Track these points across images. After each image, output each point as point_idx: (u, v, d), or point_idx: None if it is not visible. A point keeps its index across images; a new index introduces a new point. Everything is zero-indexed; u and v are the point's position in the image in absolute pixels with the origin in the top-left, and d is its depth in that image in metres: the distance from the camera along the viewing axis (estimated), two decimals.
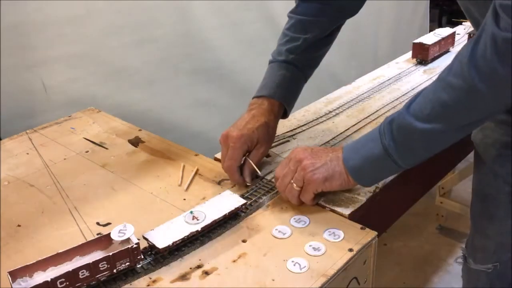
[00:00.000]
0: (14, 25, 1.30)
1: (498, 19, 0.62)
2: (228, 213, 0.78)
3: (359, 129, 1.10)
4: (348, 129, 1.10)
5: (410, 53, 1.51)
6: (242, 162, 0.90)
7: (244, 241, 0.75)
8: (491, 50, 0.63)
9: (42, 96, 1.39)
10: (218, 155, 1.00)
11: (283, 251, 0.73)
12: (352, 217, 0.81)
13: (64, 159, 1.02)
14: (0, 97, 1.31)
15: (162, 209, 0.84)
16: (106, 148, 1.06)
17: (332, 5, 0.97)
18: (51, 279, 0.62)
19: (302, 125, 1.12)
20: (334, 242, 0.74)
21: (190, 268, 0.70)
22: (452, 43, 1.58)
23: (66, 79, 1.43)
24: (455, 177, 1.92)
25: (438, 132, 0.71)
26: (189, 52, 1.68)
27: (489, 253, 0.92)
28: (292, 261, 0.70)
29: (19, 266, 0.64)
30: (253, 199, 0.85)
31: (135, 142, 1.08)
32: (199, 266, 0.71)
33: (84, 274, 0.65)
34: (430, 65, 1.47)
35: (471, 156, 1.01)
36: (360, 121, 1.13)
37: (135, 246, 0.68)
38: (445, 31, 1.55)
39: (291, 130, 1.09)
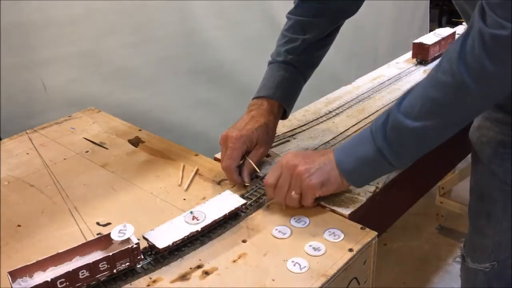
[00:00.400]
0: (14, 25, 1.30)
1: (485, 16, 0.63)
2: (228, 213, 0.78)
3: (359, 129, 1.10)
4: (348, 129, 1.10)
5: (410, 53, 1.51)
6: (242, 162, 0.90)
7: (244, 241, 0.75)
8: (479, 47, 0.63)
9: (42, 96, 1.39)
10: (218, 155, 1.00)
11: (283, 251, 0.73)
12: (352, 217, 0.81)
13: (64, 159, 1.02)
14: (0, 97, 1.31)
15: (162, 209, 0.84)
16: (106, 148, 1.06)
17: (331, 6, 0.97)
18: (51, 279, 0.62)
19: (302, 125, 1.12)
20: (334, 242, 0.74)
21: (190, 268, 0.70)
22: None
23: (66, 79, 1.43)
24: (455, 177, 1.92)
25: (430, 130, 0.71)
26: (189, 52, 1.68)
27: (487, 252, 0.93)
28: (292, 261, 0.70)
29: (19, 266, 0.64)
30: (253, 199, 0.84)
31: (135, 142, 1.08)
32: (199, 266, 0.71)
33: (84, 274, 0.65)
34: (430, 65, 1.47)
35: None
36: (360, 121, 1.13)
37: (135, 246, 0.68)
38: (445, 31, 1.55)
39: (291, 130, 1.09)
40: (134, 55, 1.55)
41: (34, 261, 0.65)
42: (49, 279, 0.62)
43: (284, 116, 1.00)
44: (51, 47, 1.38)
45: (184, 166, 0.96)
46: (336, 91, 1.31)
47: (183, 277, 0.69)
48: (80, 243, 0.68)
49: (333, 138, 1.06)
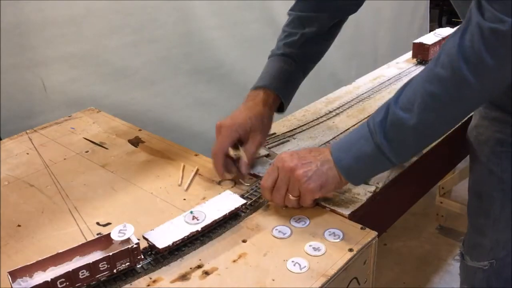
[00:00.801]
0: (14, 25, 1.30)
1: (483, 10, 0.63)
2: (228, 213, 0.78)
3: None
4: (348, 129, 1.10)
5: (410, 53, 1.51)
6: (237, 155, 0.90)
7: (244, 241, 0.75)
8: (478, 41, 0.63)
9: (42, 96, 1.39)
10: None
11: (283, 251, 0.73)
12: (352, 217, 0.81)
13: (64, 159, 1.02)
14: (0, 97, 1.31)
15: (162, 209, 0.84)
16: (106, 148, 1.06)
17: (330, 3, 0.97)
18: (51, 279, 0.62)
19: (302, 125, 1.12)
20: (334, 242, 0.74)
21: (190, 268, 0.70)
22: None
23: (66, 79, 1.43)
24: (455, 177, 1.92)
25: (430, 125, 0.71)
26: (189, 52, 1.68)
27: (485, 250, 0.93)
28: (292, 261, 0.70)
29: (19, 266, 0.64)
30: (253, 199, 0.84)
31: (135, 142, 1.08)
32: (199, 266, 0.71)
33: (84, 274, 0.65)
34: None
35: None
36: (361, 121, 1.13)
37: (135, 246, 0.68)
38: (445, 31, 1.56)
39: (291, 130, 1.09)
40: (134, 55, 1.55)
41: (34, 261, 0.65)
42: (49, 279, 0.62)
43: (282, 109, 0.99)
44: (51, 47, 1.38)
45: (184, 166, 0.96)
46: (336, 91, 1.31)
47: (183, 277, 0.69)
48: (80, 243, 0.68)
49: (333, 138, 1.06)
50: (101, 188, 0.91)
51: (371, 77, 1.39)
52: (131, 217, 0.81)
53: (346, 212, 0.81)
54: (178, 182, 0.92)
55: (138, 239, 0.69)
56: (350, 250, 0.72)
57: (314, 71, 1.04)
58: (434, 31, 1.56)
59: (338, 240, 0.74)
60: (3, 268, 0.71)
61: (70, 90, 1.44)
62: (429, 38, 1.49)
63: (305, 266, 0.69)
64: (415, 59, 1.49)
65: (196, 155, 1.01)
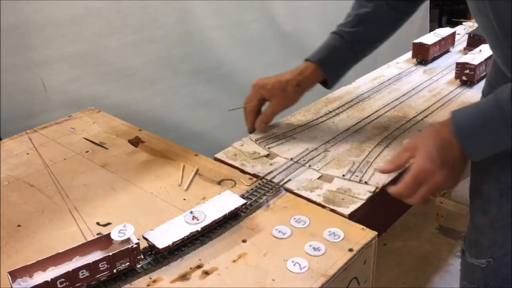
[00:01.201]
0: (14, 25, 1.30)
1: None
2: (228, 213, 0.78)
3: (359, 128, 1.10)
4: (348, 128, 1.10)
5: (410, 53, 1.51)
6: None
7: (244, 241, 0.75)
8: None
9: (42, 96, 1.39)
10: (218, 155, 1.00)
11: (283, 251, 0.73)
12: (352, 217, 0.81)
13: (64, 159, 1.02)
14: (0, 97, 1.31)
15: (162, 209, 0.84)
16: (106, 148, 1.06)
17: None
18: (51, 279, 0.62)
19: (302, 125, 1.12)
20: (334, 242, 0.74)
21: (190, 268, 0.70)
22: (452, 43, 1.58)
23: (66, 79, 1.43)
24: None
25: None
26: (189, 52, 1.68)
27: (484, 248, 0.93)
28: (292, 261, 0.70)
29: (19, 266, 0.64)
30: (253, 199, 0.84)
31: (135, 142, 1.08)
32: (199, 266, 0.71)
33: (84, 274, 0.65)
34: (430, 65, 1.47)
35: None
36: (361, 121, 1.13)
37: (135, 246, 0.68)
38: (445, 31, 1.56)
39: (291, 130, 1.09)
40: (134, 55, 1.55)
41: (34, 261, 0.65)
42: (49, 279, 0.62)
43: (327, 84, 1.05)
44: (51, 47, 1.38)
45: (184, 166, 0.96)
46: (336, 91, 1.31)
47: (183, 277, 0.69)
48: (80, 243, 0.68)
49: (333, 138, 1.06)
50: (101, 188, 0.91)
51: (371, 77, 1.39)
52: (131, 217, 0.81)
53: (346, 212, 0.81)
54: (178, 182, 0.92)
55: (138, 239, 0.69)
56: (350, 250, 0.72)
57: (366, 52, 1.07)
58: (434, 31, 1.56)
59: (338, 240, 0.74)
60: (3, 268, 0.71)
61: (70, 90, 1.44)
62: (429, 38, 1.49)
63: (305, 266, 0.69)
64: (415, 59, 1.49)
65: (196, 155, 1.01)
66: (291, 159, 0.97)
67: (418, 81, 1.35)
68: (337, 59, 1.04)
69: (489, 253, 0.92)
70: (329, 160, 0.97)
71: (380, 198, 0.88)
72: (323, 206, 0.83)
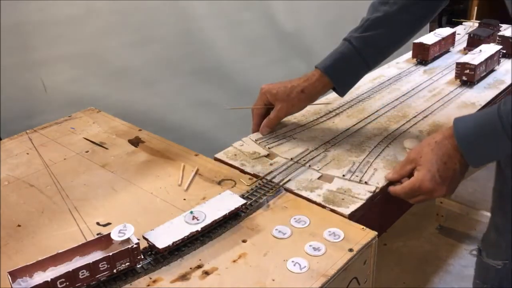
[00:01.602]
0: (14, 25, 1.30)
1: None
2: (228, 213, 0.78)
3: (359, 129, 1.10)
4: (349, 128, 1.10)
5: (410, 53, 1.51)
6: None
7: (244, 241, 0.75)
8: None
9: (42, 96, 1.39)
10: (218, 155, 1.00)
11: (283, 251, 0.73)
12: (352, 217, 0.81)
13: (64, 159, 1.02)
14: (0, 97, 1.31)
15: (162, 209, 0.84)
16: (106, 148, 1.06)
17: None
18: (51, 279, 0.62)
19: (302, 125, 1.12)
20: (334, 242, 0.74)
21: (190, 268, 0.70)
22: (452, 43, 1.58)
23: (66, 79, 1.43)
24: None
25: None
26: (189, 52, 1.68)
27: (501, 250, 0.93)
28: (292, 261, 0.70)
29: (19, 266, 0.64)
30: (253, 199, 0.84)
31: (135, 142, 1.08)
32: (199, 266, 0.71)
33: (84, 274, 0.65)
34: (430, 65, 1.47)
35: None
36: (361, 121, 1.13)
37: (135, 246, 0.68)
38: (445, 31, 1.56)
39: (291, 130, 1.09)
40: (134, 55, 1.55)
41: (34, 261, 0.65)
42: (49, 279, 0.62)
43: (338, 90, 1.06)
44: (51, 47, 1.38)
45: (184, 166, 0.96)
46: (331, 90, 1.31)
47: (183, 277, 0.69)
48: (80, 243, 0.68)
49: (334, 138, 1.06)
50: (101, 188, 0.91)
51: (371, 77, 1.39)
52: (131, 217, 0.81)
53: (346, 212, 0.81)
54: (178, 182, 0.92)
55: (138, 239, 0.69)
56: (350, 250, 0.72)
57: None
58: (434, 31, 1.56)
59: (338, 240, 0.74)
60: (3, 268, 0.71)
61: (70, 90, 1.44)
62: (429, 38, 1.49)
63: (305, 266, 0.69)
64: (415, 59, 1.49)
65: (196, 155, 1.01)
66: (291, 159, 0.97)
67: (418, 81, 1.35)
68: (345, 66, 1.02)
69: (505, 255, 0.92)
70: (329, 160, 0.97)
71: (380, 198, 0.88)
72: (323, 206, 0.83)
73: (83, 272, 0.64)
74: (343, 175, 0.91)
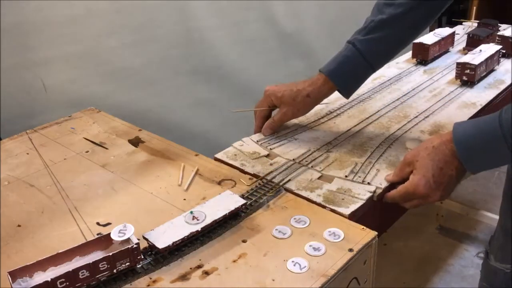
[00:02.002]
0: (14, 25, 1.30)
1: None
2: (228, 213, 0.78)
3: (360, 129, 1.10)
4: (350, 129, 1.10)
5: (410, 53, 1.51)
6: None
7: (244, 241, 0.75)
8: None
9: (42, 96, 1.39)
10: (218, 155, 1.00)
11: (283, 251, 0.73)
12: (352, 217, 0.81)
13: (64, 159, 1.02)
14: (0, 97, 1.31)
15: (162, 209, 0.84)
16: (106, 148, 1.06)
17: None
18: (51, 279, 0.62)
19: (304, 126, 1.12)
20: (334, 242, 0.74)
21: (190, 268, 0.70)
22: (452, 43, 1.59)
23: (66, 79, 1.43)
24: None
25: None
26: (189, 52, 1.68)
27: (509, 253, 0.92)
28: (292, 261, 0.70)
29: (19, 266, 0.64)
30: (253, 199, 0.84)
31: (135, 142, 1.08)
32: (199, 266, 0.71)
33: (84, 274, 0.65)
34: (430, 65, 1.47)
35: None
36: (362, 121, 1.13)
37: (135, 246, 0.68)
38: (444, 31, 1.56)
39: (293, 131, 1.09)
40: (134, 55, 1.55)
41: (34, 261, 0.65)
42: (49, 279, 0.62)
43: (343, 94, 1.05)
44: (51, 47, 1.38)
45: (184, 166, 0.96)
46: (336, 91, 1.30)
47: (183, 277, 0.69)
48: (80, 243, 0.68)
49: (335, 138, 1.06)
50: (101, 188, 0.91)
51: (371, 77, 1.37)
52: (131, 217, 0.81)
53: (346, 212, 0.81)
54: (178, 182, 0.92)
55: (138, 239, 0.69)
56: (350, 250, 0.72)
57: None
58: (434, 31, 1.56)
59: (338, 240, 0.74)
60: (3, 268, 0.71)
61: (70, 90, 1.44)
62: (429, 38, 1.49)
63: (305, 266, 0.69)
64: (415, 59, 1.49)
65: (196, 155, 1.01)
66: (293, 160, 0.97)
67: (419, 81, 1.35)
68: (350, 70, 1.01)
69: None
70: (331, 161, 0.97)
71: (380, 198, 0.88)
72: (323, 206, 0.83)
73: (83, 272, 0.64)
74: (346, 176, 0.91)
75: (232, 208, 0.78)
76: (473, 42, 1.53)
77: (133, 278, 0.69)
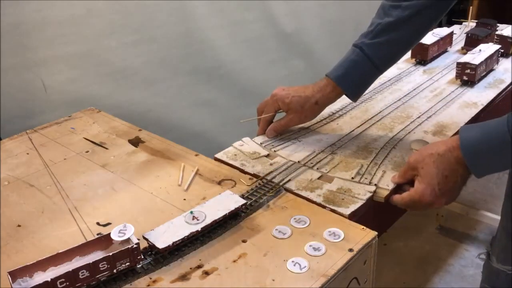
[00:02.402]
0: (14, 25, 1.30)
1: None
2: (228, 213, 0.78)
3: (364, 130, 1.09)
4: (353, 130, 1.09)
5: (409, 53, 1.51)
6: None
7: (244, 241, 0.75)
8: None
9: (42, 96, 1.39)
10: (218, 155, 1.00)
11: (283, 251, 0.73)
12: (352, 217, 0.81)
13: (64, 159, 1.02)
14: (0, 97, 1.31)
15: (162, 209, 0.84)
16: (106, 148, 1.06)
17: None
18: (51, 279, 0.62)
19: (307, 127, 1.11)
20: (334, 242, 0.74)
21: (190, 268, 0.70)
22: (450, 43, 1.59)
23: (66, 79, 1.43)
24: None
25: None
26: (189, 52, 1.68)
27: (511, 255, 0.92)
28: (292, 261, 0.70)
29: (19, 266, 0.64)
30: (253, 199, 0.84)
31: (135, 142, 1.08)
32: (199, 266, 0.71)
33: (84, 274, 0.65)
34: (429, 65, 1.47)
35: None
36: (365, 122, 1.13)
37: (135, 246, 0.68)
38: (443, 31, 1.56)
39: (296, 133, 1.09)
40: (134, 55, 1.55)
41: (34, 261, 0.65)
42: (49, 279, 0.62)
43: (353, 97, 1.04)
44: (51, 47, 1.38)
45: (184, 166, 0.96)
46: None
47: (183, 277, 0.69)
48: (80, 243, 0.68)
49: (339, 140, 1.05)
50: (101, 188, 0.91)
51: None
52: (131, 217, 0.82)
53: (346, 212, 0.81)
54: (178, 182, 0.92)
55: (138, 239, 0.69)
56: (350, 250, 0.72)
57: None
58: (433, 31, 1.56)
59: (338, 240, 0.74)
60: (3, 268, 0.71)
61: (70, 90, 1.44)
62: (428, 38, 1.49)
63: (305, 266, 0.69)
64: (414, 59, 1.49)
65: (196, 155, 1.01)
66: (299, 162, 0.96)
67: (419, 81, 1.35)
68: (358, 74, 1.00)
69: None
70: (337, 163, 0.96)
71: (386, 199, 0.87)
72: (323, 206, 0.83)
73: (83, 272, 0.65)
74: (352, 178, 0.91)
75: (232, 208, 0.78)
76: (471, 41, 1.53)
77: (133, 278, 0.69)
